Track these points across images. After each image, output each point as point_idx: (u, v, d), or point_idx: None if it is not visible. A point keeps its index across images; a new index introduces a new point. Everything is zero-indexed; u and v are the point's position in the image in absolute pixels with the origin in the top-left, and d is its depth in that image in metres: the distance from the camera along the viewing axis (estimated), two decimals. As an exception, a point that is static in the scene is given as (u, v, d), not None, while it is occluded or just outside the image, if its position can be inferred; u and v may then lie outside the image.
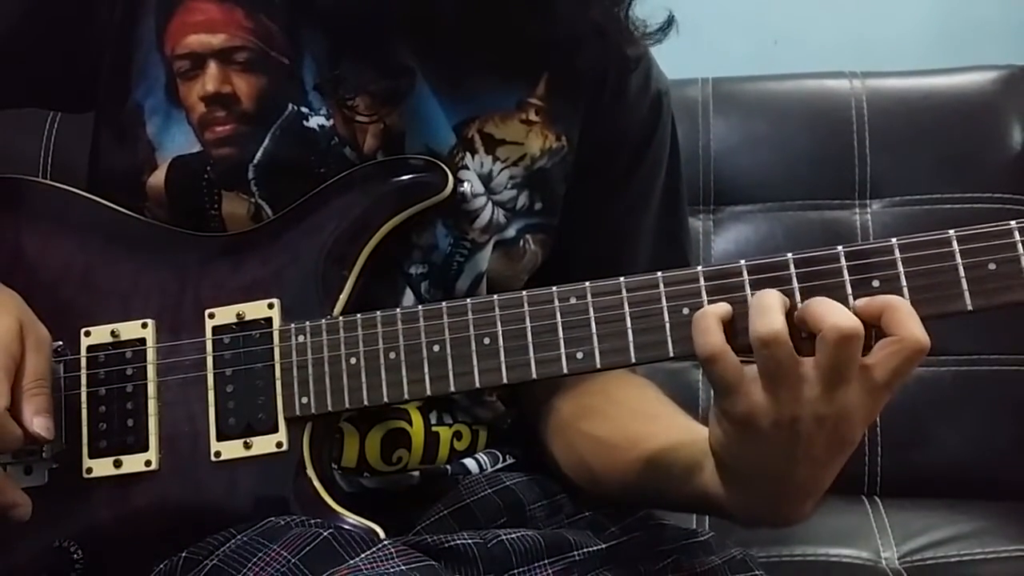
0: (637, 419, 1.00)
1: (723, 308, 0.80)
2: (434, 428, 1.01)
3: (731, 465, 0.83)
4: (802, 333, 0.77)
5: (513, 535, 0.89)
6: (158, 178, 0.98)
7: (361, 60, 0.98)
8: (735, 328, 0.80)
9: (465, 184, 0.98)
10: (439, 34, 0.98)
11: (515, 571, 0.87)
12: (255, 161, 0.97)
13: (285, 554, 0.80)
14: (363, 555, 0.79)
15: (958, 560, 1.30)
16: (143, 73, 0.99)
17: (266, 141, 0.97)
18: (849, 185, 1.53)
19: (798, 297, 0.80)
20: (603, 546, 0.91)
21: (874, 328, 0.77)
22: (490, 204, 1.01)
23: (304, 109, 0.98)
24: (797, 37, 1.87)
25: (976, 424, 1.45)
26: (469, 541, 0.88)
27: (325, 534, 0.82)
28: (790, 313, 0.78)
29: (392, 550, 0.80)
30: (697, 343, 0.79)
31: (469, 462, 1.03)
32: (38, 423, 0.87)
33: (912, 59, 1.68)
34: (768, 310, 0.77)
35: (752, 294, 0.80)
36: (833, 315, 0.75)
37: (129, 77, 0.99)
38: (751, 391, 0.77)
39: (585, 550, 0.90)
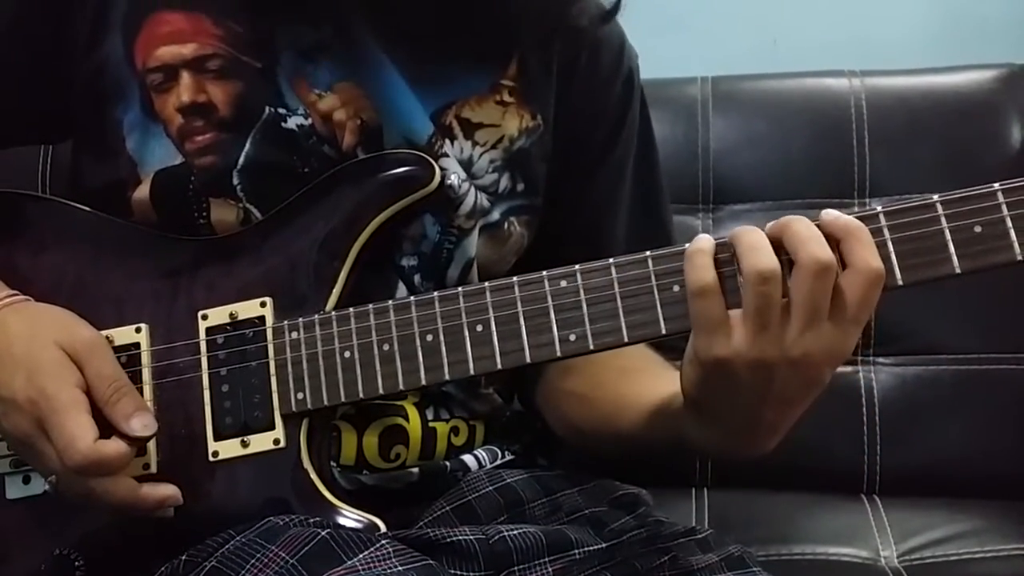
0: (623, 377, 1.01)
1: (714, 243, 0.81)
2: (431, 424, 1.01)
3: (703, 405, 0.84)
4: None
5: (515, 531, 0.90)
6: (143, 192, 0.98)
7: (292, 21, 0.98)
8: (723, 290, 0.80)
9: (452, 177, 0.98)
10: (405, 22, 0.98)
11: (515, 568, 0.88)
12: (238, 167, 0.97)
13: (283, 555, 0.80)
14: (361, 555, 0.79)
15: (957, 559, 1.30)
16: (117, 90, 0.98)
17: (247, 146, 0.97)
18: (848, 184, 1.52)
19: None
20: (603, 545, 0.92)
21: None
22: (473, 189, 1.01)
23: (281, 110, 0.98)
24: (797, 36, 1.86)
25: (975, 423, 1.44)
26: (471, 537, 0.88)
27: (323, 534, 0.81)
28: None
29: (390, 549, 0.80)
30: (689, 278, 0.80)
31: (468, 459, 1.04)
32: (135, 425, 0.86)
33: (911, 58, 1.67)
34: (761, 247, 0.78)
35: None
36: (811, 243, 0.77)
37: (102, 96, 0.99)
38: (734, 333, 0.78)
39: (585, 549, 0.90)
